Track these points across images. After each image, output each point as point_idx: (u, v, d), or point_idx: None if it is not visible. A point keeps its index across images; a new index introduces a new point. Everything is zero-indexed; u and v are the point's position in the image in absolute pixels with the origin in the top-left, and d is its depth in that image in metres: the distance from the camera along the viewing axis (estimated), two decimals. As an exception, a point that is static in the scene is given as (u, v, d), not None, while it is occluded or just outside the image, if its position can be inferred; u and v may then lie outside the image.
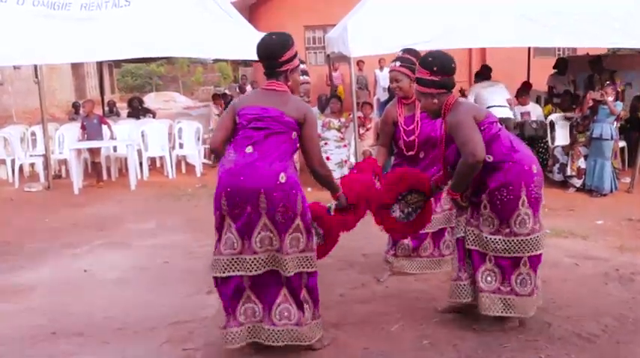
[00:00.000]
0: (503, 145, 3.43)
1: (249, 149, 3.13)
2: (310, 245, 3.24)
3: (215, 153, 3.38)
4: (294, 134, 3.21)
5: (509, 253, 3.44)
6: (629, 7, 7.00)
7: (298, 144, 3.27)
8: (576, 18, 6.91)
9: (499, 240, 3.44)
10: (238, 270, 3.17)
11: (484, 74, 8.89)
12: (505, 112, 7.80)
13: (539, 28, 6.92)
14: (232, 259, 3.16)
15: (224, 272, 3.17)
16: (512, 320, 3.58)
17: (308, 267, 3.24)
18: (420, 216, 3.94)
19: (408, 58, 4.21)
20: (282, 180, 3.09)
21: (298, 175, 3.31)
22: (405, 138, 4.34)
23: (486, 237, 3.46)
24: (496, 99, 7.86)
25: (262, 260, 3.17)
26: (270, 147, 3.14)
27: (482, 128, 3.40)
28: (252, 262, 3.16)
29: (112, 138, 9.14)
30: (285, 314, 3.23)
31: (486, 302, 3.50)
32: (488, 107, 7.74)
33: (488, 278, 3.51)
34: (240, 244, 3.15)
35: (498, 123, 3.52)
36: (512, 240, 3.42)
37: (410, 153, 4.35)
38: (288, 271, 3.16)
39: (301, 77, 4.20)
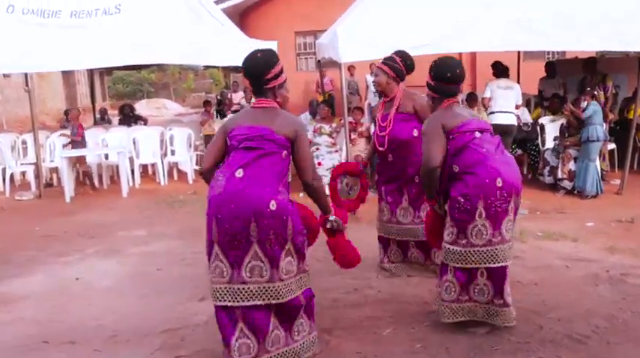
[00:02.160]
0: (470, 157, 3.47)
1: (239, 173, 3.04)
2: (302, 266, 3.21)
3: (204, 179, 3.27)
4: (285, 153, 3.14)
5: (464, 264, 3.51)
6: (623, 10, 7.04)
7: (290, 164, 3.20)
8: (568, 22, 6.95)
9: (456, 250, 3.52)
10: (229, 300, 3.09)
11: (501, 70, 8.29)
12: (508, 119, 7.85)
13: (531, 32, 6.95)
14: (222, 288, 3.10)
15: (218, 301, 3.11)
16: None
17: (302, 287, 3.23)
18: (358, 194, 4.50)
19: (392, 57, 4.51)
20: (273, 208, 3.02)
21: (289, 192, 3.23)
22: (377, 132, 4.62)
23: (445, 247, 3.58)
24: (504, 105, 7.88)
25: (252, 291, 3.08)
26: (260, 170, 3.06)
27: (451, 136, 3.50)
28: (241, 292, 3.08)
29: (83, 144, 9.09)
30: (276, 340, 3.19)
31: (445, 312, 3.61)
32: (492, 112, 7.87)
33: (447, 290, 3.60)
34: (229, 273, 3.08)
35: (476, 133, 3.52)
36: (469, 251, 3.49)
37: (381, 148, 4.58)
38: (282, 298, 3.11)
39: None
